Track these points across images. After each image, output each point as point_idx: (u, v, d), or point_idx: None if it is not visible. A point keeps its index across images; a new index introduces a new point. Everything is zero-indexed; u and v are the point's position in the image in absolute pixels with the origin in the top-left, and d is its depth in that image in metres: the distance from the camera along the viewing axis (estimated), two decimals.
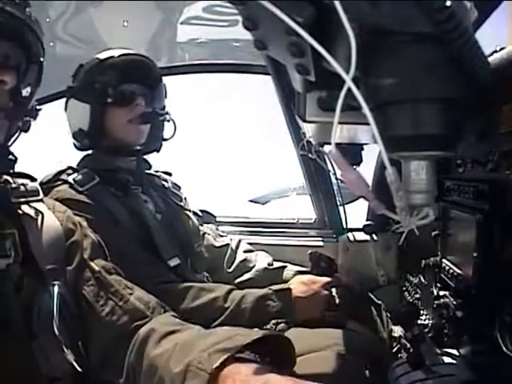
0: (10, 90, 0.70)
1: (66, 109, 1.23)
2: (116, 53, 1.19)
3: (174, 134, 1.27)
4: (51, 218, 0.79)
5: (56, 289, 0.70)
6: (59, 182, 1.09)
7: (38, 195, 0.81)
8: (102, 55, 1.19)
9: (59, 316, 0.68)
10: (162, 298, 0.92)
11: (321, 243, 1.72)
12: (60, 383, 0.68)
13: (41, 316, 0.67)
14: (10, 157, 0.75)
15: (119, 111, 1.15)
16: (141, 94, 1.17)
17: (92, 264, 0.80)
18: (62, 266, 0.75)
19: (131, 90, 1.16)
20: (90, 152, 1.24)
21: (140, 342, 0.71)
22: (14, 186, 0.77)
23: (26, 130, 0.76)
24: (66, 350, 0.67)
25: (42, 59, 0.77)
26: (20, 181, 0.80)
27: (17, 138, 0.75)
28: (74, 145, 1.23)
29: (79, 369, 0.68)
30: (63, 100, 1.26)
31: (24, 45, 0.73)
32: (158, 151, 1.28)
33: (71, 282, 0.76)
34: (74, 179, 1.09)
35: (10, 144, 0.74)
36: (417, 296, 1.17)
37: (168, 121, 1.25)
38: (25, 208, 0.76)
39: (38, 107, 0.77)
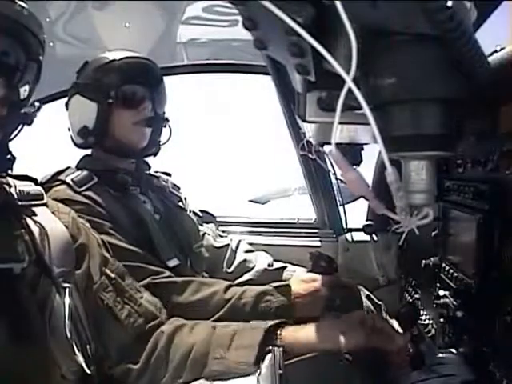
0: None
1: (67, 105, 1.23)
2: (128, 54, 1.20)
3: (168, 139, 1.28)
4: (57, 222, 0.79)
5: (67, 292, 0.71)
6: (57, 183, 1.08)
7: (43, 199, 0.81)
8: (113, 55, 1.19)
9: (70, 318, 0.69)
10: (162, 292, 0.97)
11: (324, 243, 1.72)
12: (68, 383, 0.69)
13: (52, 318, 0.68)
14: (8, 156, 0.74)
15: (126, 113, 1.16)
16: (148, 98, 1.18)
17: (107, 271, 0.84)
18: (71, 268, 0.76)
19: (141, 93, 1.17)
20: (89, 152, 1.24)
21: (168, 340, 0.82)
22: (18, 189, 0.77)
23: (29, 123, 0.75)
24: (76, 352, 0.68)
25: (40, 57, 0.75)
26: (23, 183, 0.79)
27: (19, 131, 0.74)
28: (74, 142, 1.23)
29: (88, 371, 0.69)
30: (62, 101, 1.26)
31: (19, 43, 0.70)
32: (155, 155, 1.29)
33: (81, 286, 0.78)
34: (72, 179, 1.08)
35: (9, 139, 0.73)
36: (417, 296, 1.17)
37: (165, 126, 1.26)
38: (30, 211, 0.76)
39: (38, 104, 0.76)
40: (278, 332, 0.81)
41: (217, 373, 0.77)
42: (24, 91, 0.73)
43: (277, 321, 0.83)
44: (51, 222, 0.78)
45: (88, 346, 0.73)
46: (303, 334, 0.80)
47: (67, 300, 0.70)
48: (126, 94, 1.16)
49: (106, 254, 0.88)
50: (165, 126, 1.26)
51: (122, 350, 0.81)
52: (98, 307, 0.80)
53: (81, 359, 0.68)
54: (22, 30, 0.70)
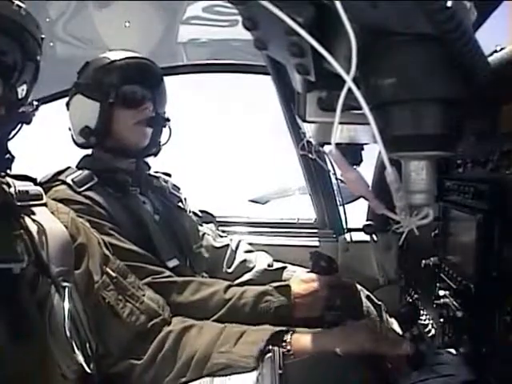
0: None
1: (68, 105, 1.23)
2: (129, 54, 1.21)
3: (168, 140, 1.29)
4: (56, 222, 0.79)
5: (67, 291, 0.71)
6: (58, 183, 1.08)
7: (42, 199, 0.81)
8: (115, 56, 1.20)
9: (69, 318, 0.69)
10: (162, 292, 0.97)
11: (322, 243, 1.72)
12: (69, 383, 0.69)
13: (52, 318, 0.68)
14: (7, 156, 0.73)
15: (128, 112, 1.16)
16: (149, 98, 1.19)
17: (108, 270, 0.85)
18: (70, 268, 0.76)
19: (142, 92, 1.18)
20: (89, 152, 1.24)
21: (176, 338, 0.83)
22: (17, 189, 0.77)
23: (28, 123, 0.74)
24: (76, 351, 0.68)
25: (38, 57, 0.75)
26: (22, 184, 0.79)
27: (18, 130, 0.74)
28: (75, 142, 1.23)
29: (88, 370, 0.69)
30: (62, 101, 1.26)
31: (17, 43, 0.70)
32: (155, 155, 1.29)
33: (81, 285, 0.78)
34: (72, 179, 1.08)
35: (8, 139, 0.73)
36: (417, 296, 1.17)
37: (164, 126, 1.27)
38: (29, 211, 0.76)
39: (36, 103, 0.76)
40: (288, 337, 0.82)
41: (219, 366, 0.78)
42: (22, 91, 0.73)
43: (285, 328, 0.84)
44: (50, 222, 0.78)
45: (88, 345, 0.73)
46: (311, 341, 0.81)
47: (67, 299, 0.70)
48: (127, 93, 1.16)
49: (107, 253, 0.88)
50: (165, 126, 1.27)
51: (124, 348, 0.81)
52: (100, 306, 0.80)
53: (80, 358, 0.68)
54: (20, 29, 0.70)
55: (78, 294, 0.76)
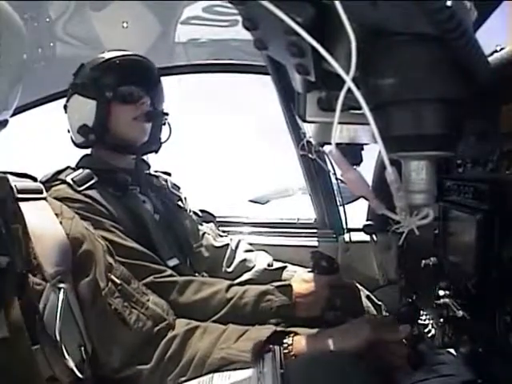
0: None
1: (66, 107, 1.23)
2: (123, 53, 1.22)
3: (169, 137, 1.30)
4: (53, 220, 0.77)
5: (62, 292, 0.69)
6: (57, 182, 1.09)
7: (42, 193, 0.80)
8: (110, 54, 1.21)
9: (63, 320, 0.67)
10: (163, 291, 0.98)
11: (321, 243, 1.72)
12: None
13: (43, 320, 0.66)
14: None
15: (125, 108, 1.17)
16: (147, 93, 1.19)
17: (113, 277, 0.84)
18: (66, 268, 0.74)
19: (139, 87, 1.18)
20: (88, 152, 1.24)
21: (181, 341, 0.84)
22: (14, 184, 0.75)
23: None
24: (66, 355, 0.66)
25: None
26: (19, 179, 0.78)
27: None
28: (74, 142, 1.23)
29: (79, 374, 0.68)
30: (62, 101, 1.26)
31: None
32: (156, 152, 1.29)
33: (89, 293, 0.76)
34: (72, 179, 1.09)
35: None
36: (417, 296, 1.17)
37: (164, 124, 1.28)
38: (27, 206, 0.74)
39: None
40: (289, 340, 0.83)
41: (218, 361, 0.80)
42: None
43: (288, 330, 0.86)
44: (46, 219, 0.76)
45: (83, 349, 0.71)
46: (313, 342, 0.83)
47: (60, 300, 0.68)
48: (124, 89, 1.17)
49: (111, 260, 0.87)
50: (164, 124, 1.27)
51: (131, 353, 0.81)
52: (106, 313, 0.79)
53: (71, 363, 0.66)
54: None
55: (85, 301, 0.75)
